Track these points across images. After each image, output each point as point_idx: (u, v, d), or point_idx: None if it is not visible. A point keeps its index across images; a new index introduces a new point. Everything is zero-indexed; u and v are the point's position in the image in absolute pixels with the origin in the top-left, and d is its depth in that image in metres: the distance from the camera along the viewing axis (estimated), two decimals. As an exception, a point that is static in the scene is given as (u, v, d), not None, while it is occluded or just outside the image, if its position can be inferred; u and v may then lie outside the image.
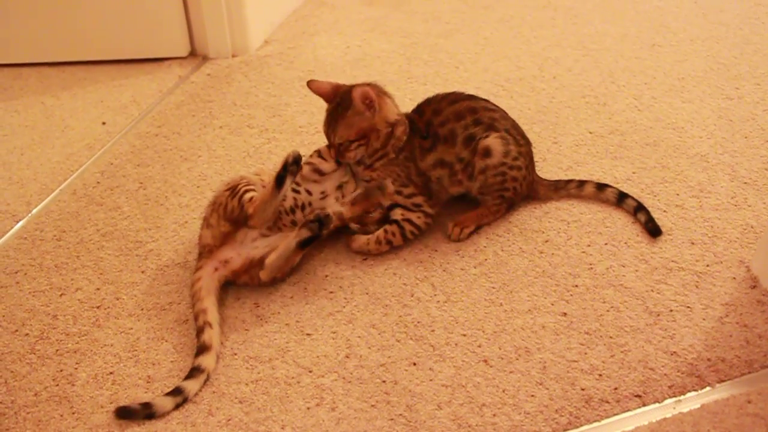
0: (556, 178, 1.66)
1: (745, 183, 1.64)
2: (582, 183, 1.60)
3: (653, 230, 1.50)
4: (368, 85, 1.43)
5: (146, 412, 1.18)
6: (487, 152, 1.46)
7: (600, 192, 1.59)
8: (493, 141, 1.46)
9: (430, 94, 2.03)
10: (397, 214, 1.49)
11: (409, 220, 1.48)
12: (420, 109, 1.53)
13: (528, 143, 1.55)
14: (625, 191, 1.58)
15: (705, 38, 2.33)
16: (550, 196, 1.60)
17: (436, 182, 1.49)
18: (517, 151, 1.49)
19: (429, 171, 1.48)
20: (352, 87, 1.42)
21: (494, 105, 1.55)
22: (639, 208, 1.54)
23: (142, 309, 1.39)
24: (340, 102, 1.43)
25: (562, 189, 1.60)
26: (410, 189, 1.48)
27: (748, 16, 2.48)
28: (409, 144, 1.47)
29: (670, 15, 2.51)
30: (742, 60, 2.19)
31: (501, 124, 1.50)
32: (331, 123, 1.44)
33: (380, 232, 1.48)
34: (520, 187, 1.52)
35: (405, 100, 2.02)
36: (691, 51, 2.25)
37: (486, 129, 1.48)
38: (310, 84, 1.48)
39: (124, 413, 1.18)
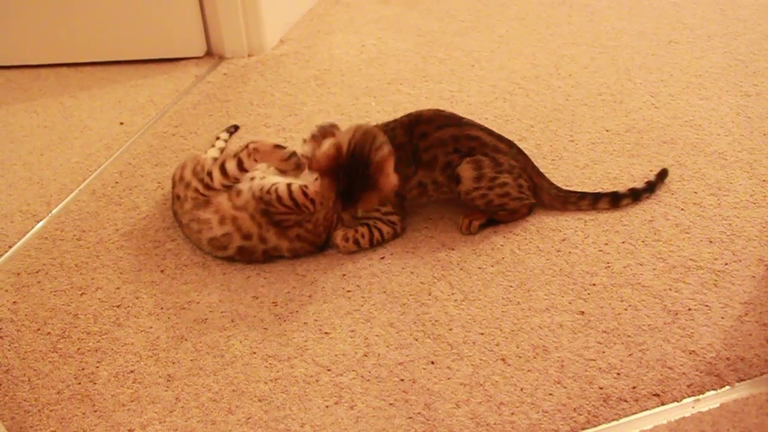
0: (573, 180, 1.66)
1: (764, 180, 1.63)
2: (596, 200, 1.56)
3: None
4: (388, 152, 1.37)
5: None
6: (457, 180, 1.48)
7: (615, 205, 1.57)
8: (463, 168, 1.47)
9: (446, 92, 2.07)
10: (370, 219, 1.51)
11: (379, 229, 1.50)
12: (410, 128, 1.49)
13: (518, 158, 1.52)
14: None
15: (722, 35, 2.31)
16: (556, 207, 1.57)
17: (408, 200, 1.53)
18: (496, 171, 1.47)
19: (407, 193, 1.51)
20: (369, 150, 1.35)
21: (478, 129, 1.51)
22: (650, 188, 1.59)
23: (162, 308, 1.41)
24: (357, 169, 1.34)
25: (572, 204, 1.57)
26: (387, 208, 1.50)
27: (767, 11, 2.45)
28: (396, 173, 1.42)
29: (687, 11, 2.49)
30: (760, 56, 2.17)
31: (479, 150, 1.48)
32: (351, 195, 1.36)
33: (350, 230, 1.49)
34: (519, 194, 1.51)
35: (421, 98, 2.04)
36: (709, 47, 2.24)
37: (461, 157, 1.48)
38: (314, 165, 1.39)
39: None
